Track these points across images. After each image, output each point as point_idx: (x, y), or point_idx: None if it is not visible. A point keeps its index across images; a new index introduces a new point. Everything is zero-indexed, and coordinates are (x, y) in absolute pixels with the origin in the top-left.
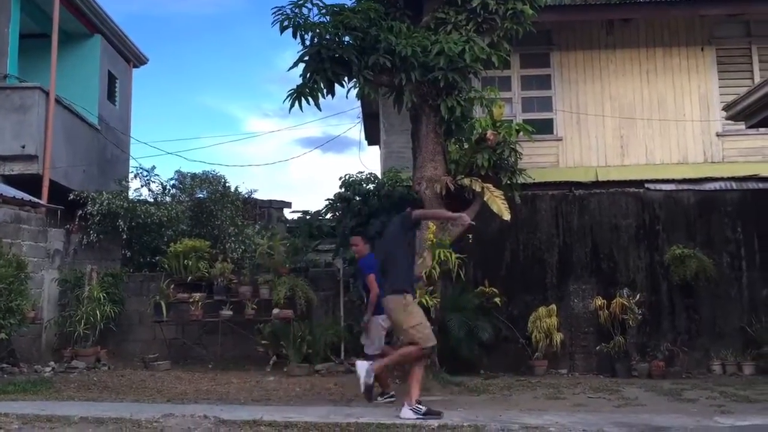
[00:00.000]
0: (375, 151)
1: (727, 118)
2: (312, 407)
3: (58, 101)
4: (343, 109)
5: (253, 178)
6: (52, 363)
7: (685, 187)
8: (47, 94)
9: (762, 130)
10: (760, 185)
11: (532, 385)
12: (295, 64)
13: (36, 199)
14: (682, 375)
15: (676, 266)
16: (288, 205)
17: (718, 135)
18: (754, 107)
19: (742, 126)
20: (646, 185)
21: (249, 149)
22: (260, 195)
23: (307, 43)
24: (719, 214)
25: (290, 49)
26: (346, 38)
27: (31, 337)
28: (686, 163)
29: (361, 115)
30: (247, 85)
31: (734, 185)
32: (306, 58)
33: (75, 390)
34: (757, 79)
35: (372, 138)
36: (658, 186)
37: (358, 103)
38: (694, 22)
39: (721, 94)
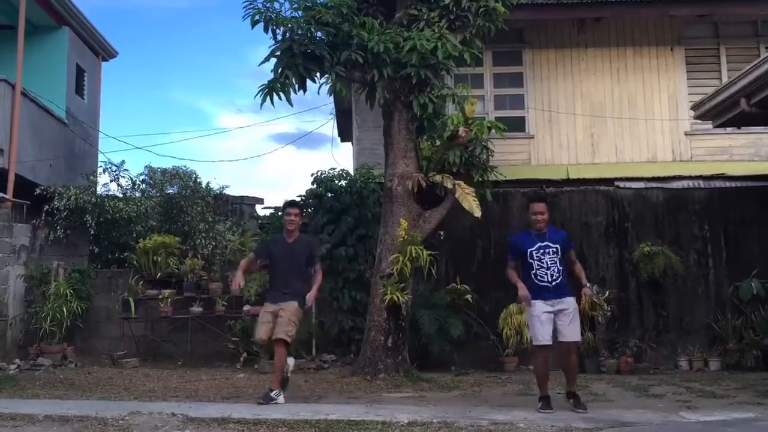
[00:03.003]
0: (348, 147)
1: (695, 118)
2: (281, 404)
3: (24, 94)
4: (316, 105)
5: (225, 173)
6: (17, 360)
7: (654, 185)
8: (13, 86)
9: (729, 129)
10: (727, 184)
11: (503, 381)
12: (267, 59)
13: (1, 194)
14: (650, 371)
15: (644, 263)
16: (260, 201)
17: (686, 134)
18: (721, 107)
19: (709, 125)
20: (616, 183)
21: (221, 145)
22: (232, 191)
23: (279, 38)
24: (687, 212)
25: (263, 43)
26: (319, 33)
27: None
28: (655, 161)
29: (334, 112)
30: (219, 80)
31: (702, 184)
32: (277, 53)
33: (40, 388)
34: (725, 79)
35: (345, 134)
36: (628, 184)
37: (331, 99)
38: (664, 22)
39: (689, 94)
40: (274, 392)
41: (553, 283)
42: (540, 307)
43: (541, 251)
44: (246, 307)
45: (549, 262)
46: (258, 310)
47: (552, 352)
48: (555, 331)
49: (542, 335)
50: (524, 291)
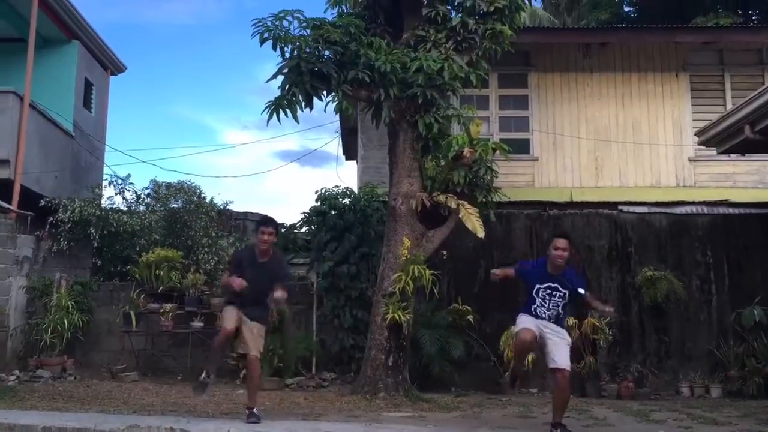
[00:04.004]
0: (352, 165)
1: (700, 143)
2: (280, 421)
3: (32, 106)
4: (322, 123)
5: (229, 189)
6: (16, 371)
7: (658, 210)
8: (21, 98)
9: (733, 156)
10: (731, 210)
11: (503, 403)
12: (274, 76)
13: (6, 204)
14: (651, 396)
15: (647, 288)
16: None
17: (690, 160)
18: (725, 133)
19: (713, 152)
20: (620, 207)
21: (225, 161)
22: (236, 207)
23: (287, 55)
24: (690, 237)
25: (269, 61)
26: (326, 52)
27: None
28: (659, 186)
29: (339, 130)
30: (225, 97)
31: (705, 209)
32: (285, 70)
33: (39, 399)
34: (729, 106)
35: (350, 153)
36: (631, 208)
37: (337, 117)
38: (669, 49)
39: (694, 120)
40: (256, 409)
41: (550, 321)
42: (528, 318)
43: (548, 291)
44: (215, 300)
45: (552, 305)
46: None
47: (530, 345)
48: (545, 356)
49: (528, 324)
50: (498, 272)
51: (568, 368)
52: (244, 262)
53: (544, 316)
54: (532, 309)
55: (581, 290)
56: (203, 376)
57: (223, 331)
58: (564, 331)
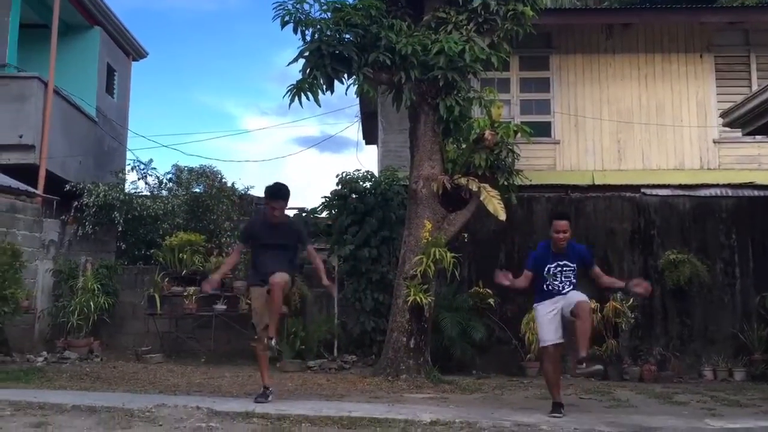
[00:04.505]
0: (372, 150)
1: (724, 125)
2: (304, 401)
3: (56, 92)
4: (341, 108)
5: (249, 175)
6: (44, 353)
7: (681, 192)
8: (46, 84)
9: (758, 137)
10: (756, 192)
11: (524, 385)
12: (295, 60)
13: (32, 189)
14: (674, 380)
15: (670, 271)
16: None
17: (714, 142)
18: (751, 115)
19: (738, 133)
20: (642, 190)
21: (245, 147)
22: (256, 192)
23: (308, 39)
24: (714, 220)
25: (289, 47)
26: (347, 35)
27: (24, 327)
28: (682, 169)
29: (359, 114)
30: (245, 83)
31: (730, 192)
32: (306, 53)
33: (67, 380)
34: (755, 87)
35: (370, 137)
36: (654, 191)
37: (357, 102)
38: (694, 29)
39: (718, 101)
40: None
41: (563, 292)
42: (545, 307)
43: (558, 268)
44: (237, 283)
45: (563, 278)
46: (282, 310)
47: (559, 352)
48: (564, 317)
49: (548, 335)
50: (503, 279)
51: (587, 300)
52: (256, 230)
53: (557, 288)
54: (545, 286)
55: (587, 258)
56: (263, 390)
57: (261, 332)
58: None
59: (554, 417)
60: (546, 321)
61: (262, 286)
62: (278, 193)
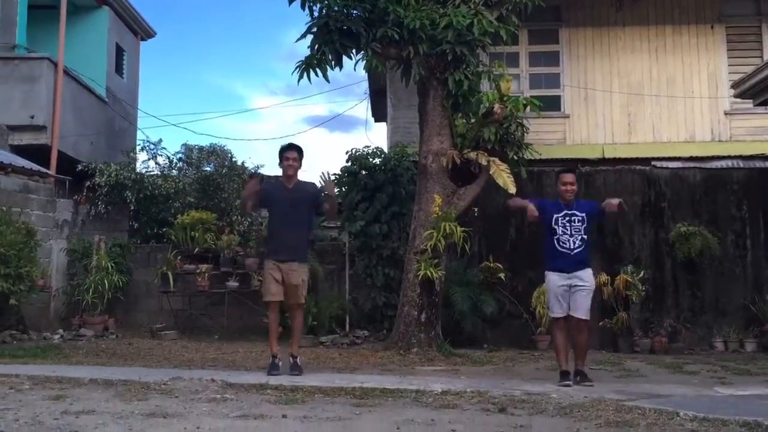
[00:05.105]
0: (382, 128)
1: (735, 96)
2: (317, 374)
3: (66, 72)
4: (350, 88)
5: (259, 155)
6: (60, 331)
7: (692, 165)
8: (55, 65)
9: None
10: (767, 164)
11: (535, 357)
12: (303, 36)
13: (44, 169)
14: (684, 351)
15: (680, 243)
16: None
17: (726, 113)
18: (762, 85)
19: (750, 105)
20: (653, 163)
21: (254, 127)
22: (266, 171)
23: (316, 14)
24: (725, 192)
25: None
26: (355, 10)
27: (40, 305)
28: (693, 141)
29: (368, 92)
30: (253, 63)
31: (741, 164)
32: (314, 29)
33: (83, 356)
34: (767, 58)
35: (379, 115)
36: (665, 164)
37: (366, 79)
38: (704, 0)
39: (729, 73)
40: (299, 359)
41: (574, 251)
42: (555, 281)
43: (567, 218)
44: (249, 260)
45: (573, 230)
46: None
47: (568, 324)
48: (570, 305)
49: (557, 309)
50: (534, 212)
51: (588, 318)
52: (271, 195)
53: (567, 244)
54: (555, 242)
55: (596, 210)
56: (272, 360)
57: (271, 307)
58: (590, 274)
59: (564, 386)
60: (555, 295)
61: (277, 263)
62: (290, 145)
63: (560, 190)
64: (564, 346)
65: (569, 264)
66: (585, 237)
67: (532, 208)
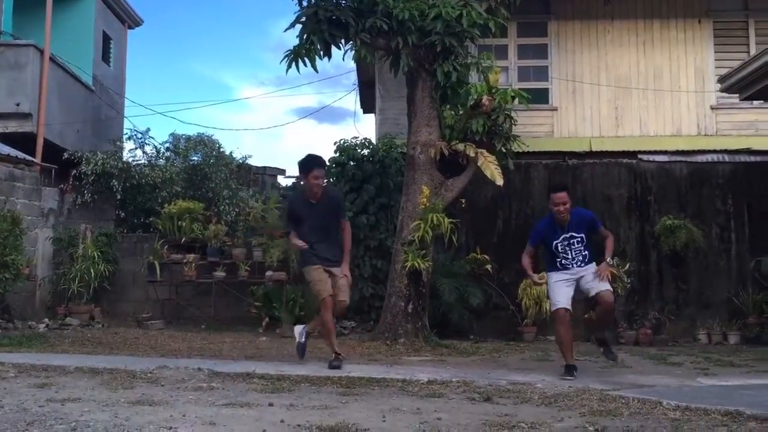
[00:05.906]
0: (370, 119)
1: (722, 90)
2: (303, 363)
3: (52, 60)
4: (339, 80)
5: (247, 146)
6: (46, 320)
7: (678, 158)
8: (41, 52)
9: (755, 103)
10: (752, 158)
11: (521, 348)
12: (292, 25)
13: (30, 158)
14: (668, 343)
15: (666, 236)
16: (282, 172)
17: (712, 108)
18: (749, 79)
19: (735, 99)
20: (640, 156)
21: (242, 118)
22: (254, 162)
23: (305, 4)
24: (710, 186)
25: (285, 16)
26: (344, 0)
27: (26, 294)
28: (680, 135)
29: (356, 83)
30: (241, 53)
31: (726, 158)
32: (303, 19)
33: (69, 345)
34: (753, 52)
35: (367, 106)
36: (651, 157)
37: (354, 71)
38: None
39: (716, 67)
40: (342, 356)
41: (576, 266)
42: (559, 275)
43: (566, 242)
44: (268, 273)
45: (574, 252)
46: (281, 276)
47: (570, 318)
48: (582, 293)
49: (559, 298)
50: (535, 278)
51: (610, 290)
52: (298, 211)
53: (571, 265)
54: (557, 263)
55: (594, 224)
56: (334, 356)
57: (325, 303)
58: (593, 265)
59: (566, 379)
60: (558, 286)
61: (322, 266)
62: (317, 160)
63: (553, 210)
64: (569, 340)
65: (576, 269)
66: (586, 253)
67: (536, 280)
